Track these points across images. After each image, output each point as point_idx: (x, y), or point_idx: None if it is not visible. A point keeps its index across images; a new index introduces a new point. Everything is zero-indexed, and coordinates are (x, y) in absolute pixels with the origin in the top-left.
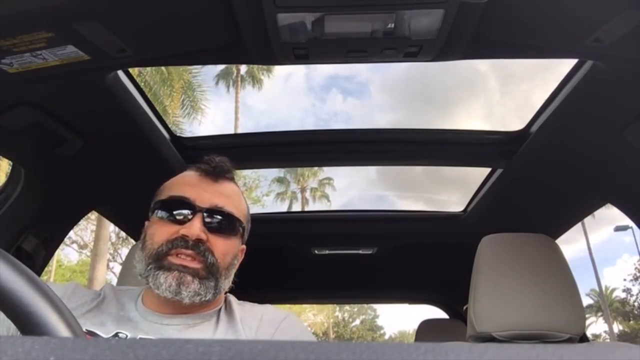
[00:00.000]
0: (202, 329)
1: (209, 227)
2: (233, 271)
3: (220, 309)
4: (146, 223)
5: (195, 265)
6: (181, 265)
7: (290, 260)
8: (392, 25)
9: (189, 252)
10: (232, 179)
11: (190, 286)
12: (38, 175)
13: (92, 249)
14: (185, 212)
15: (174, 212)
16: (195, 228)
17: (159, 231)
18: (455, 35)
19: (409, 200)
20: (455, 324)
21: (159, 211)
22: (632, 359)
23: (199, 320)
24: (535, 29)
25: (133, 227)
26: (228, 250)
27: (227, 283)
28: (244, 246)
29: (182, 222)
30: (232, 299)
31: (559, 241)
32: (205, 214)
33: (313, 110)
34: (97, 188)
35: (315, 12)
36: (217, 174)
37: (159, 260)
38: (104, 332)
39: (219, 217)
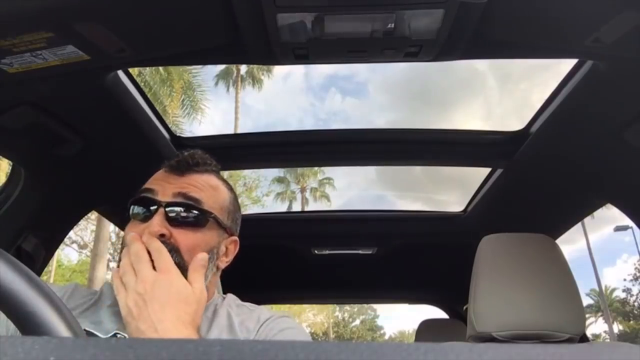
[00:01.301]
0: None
1: (171, 220)
2: (209, 265)
3: (214, 306)
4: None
5: None
6: None
7: (290, 260)
8: (392, 25)
9: None
10: (205, 172)
11: None
12: (38, 175)
13: (92, 249)
14: (148, 208)
15: (139, 210)
16: (154, 224)
17: (129, 233)
18: (455, 35)
19: (409, 200)
20: (455, 324)
21: (129, 211)
22: (632, 359)
23: None
24: (535, 29)
25: None
26: (196, 244)
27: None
28: (234, 238)
29: (146, 220)
30: (232, 299)
31: (559, 241)
32: (167, 208)
33: (312, 110)
34: (97, 188)
35: (315, 12)
36: (183, 169)
37: None
38: (102, 332)
39: (182, 208)
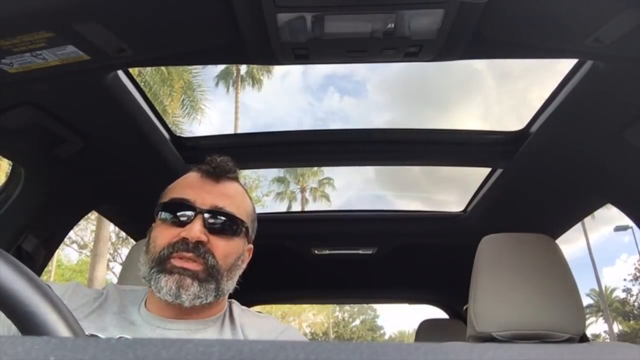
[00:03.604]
0: (206, 334)
1: (210, 229)
2: (237, 272)
3: (224, 315)
4: (152, 226)
5: (195, 267)
6: (181, 267)
7: (290, 260)
8: (392, 25)
9: (189, 254)
10: (235, 179)
11: (189, 289)
12: (38, 175)
13: (92, 249)
14: (186, 214)
15: (175, 215)
16: (195, 230)
17: (161, 234)
18: (455, 35)
19: (409, 200)
20: (455, 324)
21: (161, 214)
22: (632, 359)
23: (202, 325)
24: (535, 29)
25: (133, 227)
26: (230, 252)
27: (230, 284)
28: (250, 246)
29: (183, 225)
30: (236, 305)
31: (559, 241)
32: (205, 215)
33: (311, 110)
34: (97, 188)
35: (315, 12)
36: (219, 175)
37: (161, 264)
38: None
39: (220, 218)
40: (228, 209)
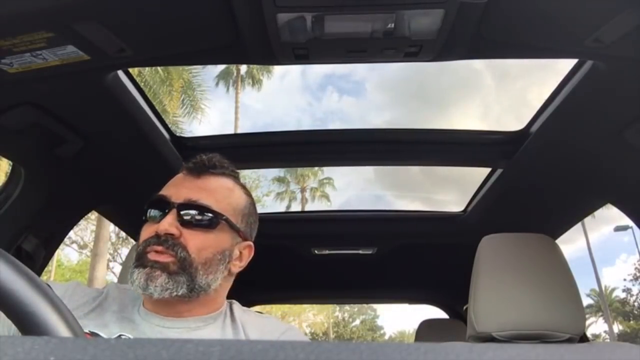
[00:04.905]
0: (206, 332)
1: (183, 222)
2: (218, 267)
3: (224, 313)
4: None
5: (164, 259)
6: (153, 261)
7: (290, 260)
8: (392, 25)
9: (160, 247)
10: (221, 174)
11: (157, 280)
12: (38, 175)
13: (92, 249)
14: (162, 210)
15: (153, 212)
16: (164, 223)
17: (143, 232)
18: (455, 35)
19: (409, 200)
20: (455, 324)
21: (146, 213)
22: (632, 359)
23: (201, 323)
24: (535, 29)
25: (133, 227)
26: (205, 245)
27: (211, 279)
28: (249, 243)
29: (159, 221)
30: (236, 305)
31: (559, 241)
32: (178, 209)
33: (310, 110)
34: (97, 188)
35: (315, 12)
36: (199, 170)
37: (139, 260)
38: (107, 334)
39: (193, 210)
40: (203, 202)
